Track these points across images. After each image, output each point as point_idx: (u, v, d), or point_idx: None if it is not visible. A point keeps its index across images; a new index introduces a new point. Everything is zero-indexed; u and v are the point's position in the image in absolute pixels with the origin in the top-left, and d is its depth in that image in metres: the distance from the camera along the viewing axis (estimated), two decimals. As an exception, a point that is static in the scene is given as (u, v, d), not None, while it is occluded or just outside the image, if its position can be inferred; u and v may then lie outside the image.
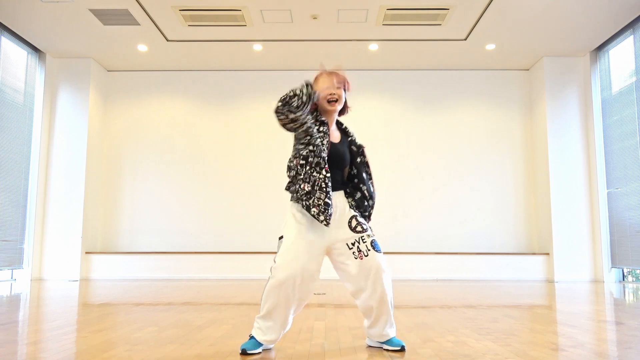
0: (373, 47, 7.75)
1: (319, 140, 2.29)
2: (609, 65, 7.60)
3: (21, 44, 7.45)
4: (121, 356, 2.27)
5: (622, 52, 7.28)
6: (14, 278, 7.53)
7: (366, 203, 2.44)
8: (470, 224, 8.34)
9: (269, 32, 7.27)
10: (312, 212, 2.25)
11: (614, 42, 7.38)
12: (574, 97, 8.04)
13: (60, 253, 7.84)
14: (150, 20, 6.92)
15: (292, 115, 2.19)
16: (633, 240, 6.95)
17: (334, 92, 2.35)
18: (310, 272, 2.27)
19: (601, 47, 7.69)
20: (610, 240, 7.50)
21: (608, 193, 7.58)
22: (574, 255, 7.73)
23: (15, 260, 7.30)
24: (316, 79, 2.42)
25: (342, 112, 2.50)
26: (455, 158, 8.52)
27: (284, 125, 2.26)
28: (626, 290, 6.17)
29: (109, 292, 5.67)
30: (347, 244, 2.33)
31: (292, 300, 2.29)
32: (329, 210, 2.24)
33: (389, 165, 8.41)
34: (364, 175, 2.46)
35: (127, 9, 6.57)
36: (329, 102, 2.36)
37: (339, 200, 2.39)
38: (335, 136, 2.46)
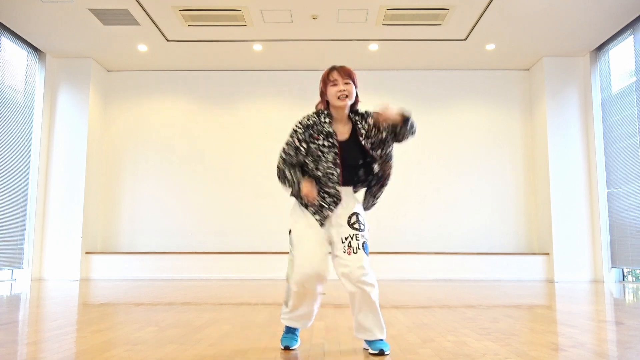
0: (373, 47, 7.75)
1: (324, 162, 2.36)
2: (609, 65, 7.60)
3: (21, 44, 7.45)
4: (121, 356, 2.27)
5: (622, 52, 7.28)
6: (14, 278, 7.53)
7: (374, 189, 2.51)
8: (470, 224, 8.34)
9: (269, 32, 7.27)
10: (310, 210, 2.40)
11: (614, 42, 7.38)
12: (574, 97, 8.04)
13: (60, 253, 7.84)
14: (150, 20, 6.92)
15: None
16: (633, 240, 6.94)
17: (343, 88, 2.37)
18: (325, 262, 2.34)
19: (601, 47, 7.69)
20: (610, 240, 7.50)
21: (608, 193, 7.58)
22: (574, 255, 7.73)
23: (15, 260, 7.30)
24: (324, 75, 2.43)
25: (353, 105, 2.49)
26: (455, 158, 8.52)
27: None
28: (626, 290, 6.17)
29: (109, 292, 5.67)
30: (341, 237, 2.36)
31: (316, 292, 2.39)
32: (324, 212, 2.37)
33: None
34: (377, 166, 2.49)
35: (127, 9, 6.57)
36: (339, 98, 2.38)
37: (345, 195, 2.42)
38: (343, 132, 2.44)
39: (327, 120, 2.40)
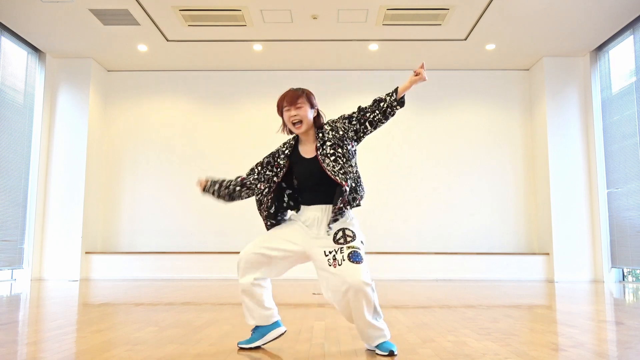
0: (373, 47, 7.75)
1: (265, 183, 2.49)
2: (609, 65, 7.60)
3: (21, 44, 7.45)
4: (121, 356, 2.27)
5: (622, 52, 7.28)
6: (14, 278, 7.53)
7: (343, 201, 2.35)
8: (470, 224, 8.34)
9: (269, 32, 7.27)
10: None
11: (614, 42, 7.38)
12: (574, 97, 8.04)
13: (60, 253, 7.84)
14: (150, 20, 6.92)
15: (223, 200, 2.64)
16: (633, 240, 6.94)
17: (294, 114, 2.39)
18: (256, 260, 2.42)
19: (601, 47, 7.69)
20: (610, 240, 7.50)
21: (608, 193, 7.58)
22: (574, 255, 7.73)
23: (15, 260, 7.30)
24: (278, 101, 2.48)
25: (317, 121, 2.48)
26: (455, 158, 8.51)
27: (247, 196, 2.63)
28: (626, 290, 6.17)
29: (109, 292, 5.67)
30: (324, 251, 2.32)
31: (244, 279, 2.46)
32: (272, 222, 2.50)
33: (389, 166, 8.41)
34: (340, 176, 2.34)
35: (127, 9, 6.57)
36: (293, 124, 2.41)
37: (315, 214, 2.40)
38: (309, 151, 2.45)
39: (293, 142, 2.51)
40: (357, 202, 2.40)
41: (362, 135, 2.41)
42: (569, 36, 7.33)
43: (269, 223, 2.52)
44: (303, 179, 2.46)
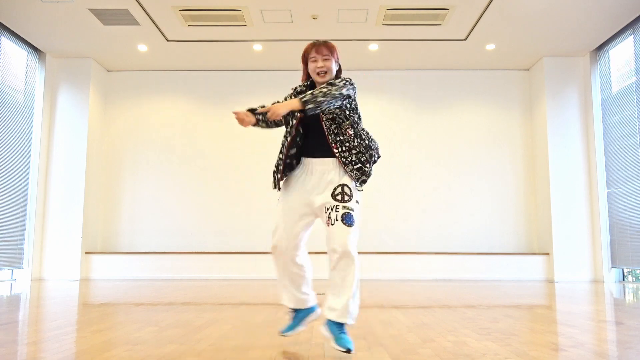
0: (373, 47, 7.75)
1: (291, 120, 2.51)
2: (609, 65, 7.60)
3: (21, 44, 7.45)
4: (121, 356, 2.27)
5: (622, 52, 7.28)
6: (14, 278, 7.53)
7: (355, 159, 2.41)
8: (470, 224, 8.34)
9: (269, 32, 7.27)
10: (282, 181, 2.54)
11: (614, 42, 7.38)
12: (574, 97, 8.04)
13: (60, 253, 7.84)
14: (150, 20, 6.92)
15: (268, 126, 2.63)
16: (633, 240, 6.94)
17: (321, 65, 2.51)
18: (293, 234, 2.44)
19: (601, 47, 7.69)
20: (610, 240, 7.50)
21: (608, 193, 7.58)
22: (574, 255, 7.73)
23: (15, 260, 7.30)
24: (304, 52, 2.60)
25: (337, 74, 2.60)
26: (455, 158, 8.51)
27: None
28: (626, 290, 6.17)
29: (109, 292, 5.67)
30: (325, 208, 2.37)
31: (285, 265, 2.49)
32: (275, 176, 2.51)
33: (388, 165, 8.41)
34: (344, 128, 2.42)
35: (127, 9, 6.57)
36: (318, 74, 2.51)
37: (319, 166, 2.43)
38: None
39: (306, 85, 2.60)
40: (371, 161, 2.46)
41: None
42: (569, 36, 7.33)
43: (279, 173, 2.50)
44: (309, 126, 2.47)
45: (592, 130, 7.82)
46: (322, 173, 2.42)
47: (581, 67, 8.08)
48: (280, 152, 2.49)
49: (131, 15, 6.72)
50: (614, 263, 7.42)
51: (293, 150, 2.47)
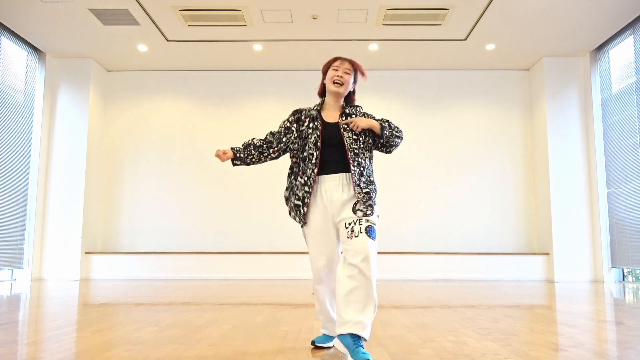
0: (373, 47, 7.75)
1: (309, 142, 2.43)
2: (609, 65, 7.60)
3: (21, 44, 7.45)
4: (121, 356, 2.27)
5: (622, 52, 7.28)
6: (14, 278, 7.52)
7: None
8: (470, 224, 8.34)
9: (269, 32, 7.27)
10: (291, 216, 2.49)
11: (614, 42, 7.38)
12: (574, 97, 8.04)
13: (60, 253, 7.84)
14: (150, 20, 6.92)
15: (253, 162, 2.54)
16: (633, 240, 6.94)
17: (340, 75, 2.47)
18: (332, 258, 2.43)
19: (601, 47, 7.68)
20: (610, 240, 7.50)
21: (608, 193, 7.58)
22: (574, 255, 7.73)
23: (15, 260, 7.30)
24: (329, 60, 2.54)
25: (348, 100, 2.57)
26: (455, 158, 8.52)
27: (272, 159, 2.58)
28: (626, 290, 6.17)
29: (109, 292, 5.67)
30: (345, 223, 2.32)
31: (329, 289, 2.49)
32: (301, 210, 2.41)
33: (388, 166, 8.41)
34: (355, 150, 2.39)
35: (127, 9, 6.57)
36: (333, 82, 2.47)
37: (332, 182, 2.38)
38: (332, 117, 2.50)
39: (317, 108, 2.52)
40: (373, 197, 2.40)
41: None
42: (569, 36, 7.33)
43: (300, 202, 2.42)
44: (325, 142, 2.42)
45: (592, 130, 7.81)
46: (337, 187, 2.37)
47: (581, 67, 8.08)
48: (305, 184, 2.39)
49: (131, 15, 6.72)
50: (614, 263, 7.42)
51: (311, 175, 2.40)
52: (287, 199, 2.50)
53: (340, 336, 2.20)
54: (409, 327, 3.12)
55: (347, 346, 2.15)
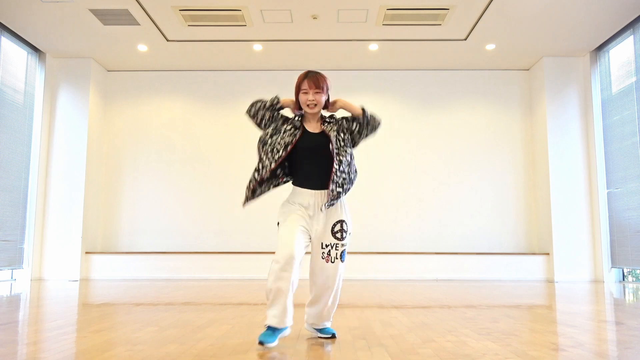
0: (373, 47, 7.75)
1: (281, 139, 2.59)
2: (609, 65, 7.60)
3: (21, 44, 7.45)
4: (121, 356, 2.27)
5: (622, 52, 7.28)
6: (14, 278, 7.53)
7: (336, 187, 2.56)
8: (470, 224, 8.34)
9: (269, 32, 7.27)
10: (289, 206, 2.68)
11: (614, 42, 7.38)
12: (574, 97, 8.04)
13: (60, 253, 7.84)
14: (150, 20, 6.92)
15: (253, 111, 2.65)
16: (633, 240, 6.94)
17: (312, 98, 2.60)
18: (300, 248, 2.50)
19: (601, 47, 7.69)
20: (610, 240, 7.50)
21: (608, 193, 7.58)
22: (574, 255, 7.73)
23: (15, 260, 7.30)
24: (298, 82, 2.65)
25: (326, 104, 2.71)
26: (455, 158, 8.51)
27: (252, 117, 2.69)
28: (626, 290, 6.17)
29: (109, 292, 5.67)
30: (322, 243, 2.58)
31: (288, 276, 2.47)
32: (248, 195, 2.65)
33: (388, 166, 8.41)
34: (338, 160, 2.55)
35: (127, 9, 6.57)
36: (308, 106, 2.62)
37: (309, 199, 2.58)
38: (313, 127, 2.67)
39: (299, 119, 2.68)
40: (348, 189, 2.60)
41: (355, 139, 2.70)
42: (569, 36, 7.33)
43: (253, 192, 2.64)
44: (307, 152, 2.60)
45: (592, 130, 7.81)
46: (318, 205, 2.57)
47: (581, 67, 8.08)
48: (257, 170, 2.58)
49: (131, 15, 6.72)
50: (614, 263, 7.42)
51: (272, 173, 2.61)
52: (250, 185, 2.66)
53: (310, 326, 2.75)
54: (409, 327, 3.12)
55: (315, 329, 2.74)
